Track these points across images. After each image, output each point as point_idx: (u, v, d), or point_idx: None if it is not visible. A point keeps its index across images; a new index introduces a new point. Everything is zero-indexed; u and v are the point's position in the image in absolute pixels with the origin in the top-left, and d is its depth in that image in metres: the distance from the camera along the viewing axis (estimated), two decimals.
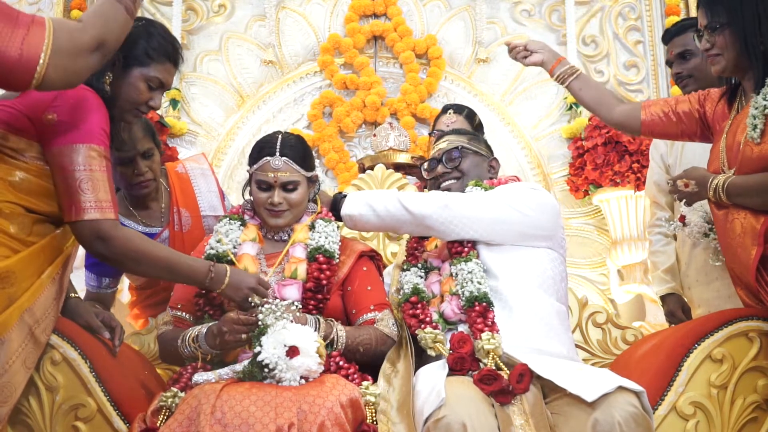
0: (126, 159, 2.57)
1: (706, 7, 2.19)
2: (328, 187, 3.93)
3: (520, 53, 2.54)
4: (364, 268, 2.33)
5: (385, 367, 2.19)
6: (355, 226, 2.41)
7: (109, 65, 2.00)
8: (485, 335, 2.08)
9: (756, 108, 2.08)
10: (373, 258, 2.40)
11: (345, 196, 2.41)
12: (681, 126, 2.35)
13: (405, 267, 2.39)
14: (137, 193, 2.67)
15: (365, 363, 2.20)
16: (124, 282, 3.60)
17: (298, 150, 2.29)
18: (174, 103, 3.96)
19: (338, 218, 2.41)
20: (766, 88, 2.09)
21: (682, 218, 2.52)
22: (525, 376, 1.93)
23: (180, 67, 2.18)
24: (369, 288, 2.30)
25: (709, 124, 2.32)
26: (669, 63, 2.90)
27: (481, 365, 2.02)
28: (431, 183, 2.53)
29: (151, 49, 2.06)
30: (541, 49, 2.52)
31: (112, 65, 2.01)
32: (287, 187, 2.25)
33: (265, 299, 2.06)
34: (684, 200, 2.30)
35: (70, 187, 1.88)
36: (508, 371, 1.98)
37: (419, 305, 2.24)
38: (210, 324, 2.13)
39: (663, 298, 2.86)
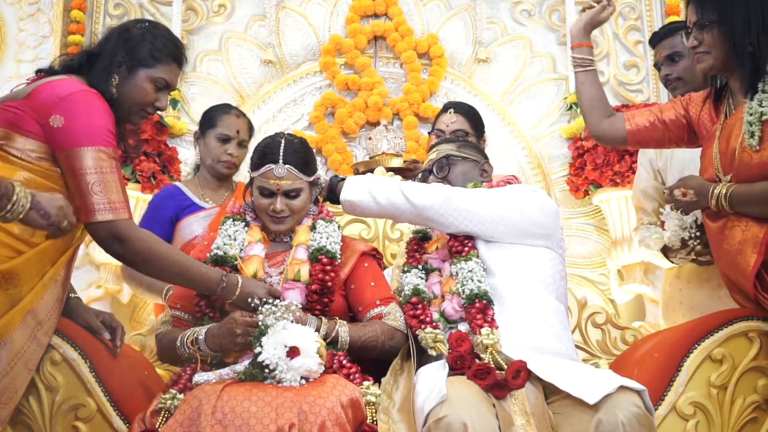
0: (224, 137, 2.95)
1: (696, 4, 2.17)
2: None
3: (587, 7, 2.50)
4: (366, 265, 2.33)
5: (396, 363, 2.20)
6: (353, 211, 2.41)
7: (114, 67, 2.02)
8: (484, 330, 2.09)
9: (751, 114, 2.07)
10: (375, 256, 2.40)
11: (343, 179, 2.41)
12: (668, 133, 2.33)
13: (405, 269, 2.40)
14: (219, 170, 2.98)
15: (375, 358, 2.20)
16: (124, 282, 3.61)
17: (302, 156, 2.26)
18: (174, 103, 3.96)
19: (334, 201, 2.40)
20: (760, 94, 2.08)
21: (663, 224, 2.52)
22: (522, 372, 1.94)
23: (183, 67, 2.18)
24: (372, 284, 2.29)
25: (695, 129, 2.31)
26: (657, 66, 2.87)
27: (479, 362, 2.03)
28: None
29: (156, 51, 2.07)
30: (575, 24, 2.50)
31: (118, 67, 2.03)
32: (290, 194, 2.24)
33: (264, 300, 2.06)
34: (681, 209, 2.29)
35: (82, 189, 1.90)
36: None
37: (420, 306, 2.25)
38: (209, 326, 2.12)
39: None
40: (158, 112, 3.64)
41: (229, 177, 3.04)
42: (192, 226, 2.88)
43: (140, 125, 3.41)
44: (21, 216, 1.67)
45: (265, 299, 2.06)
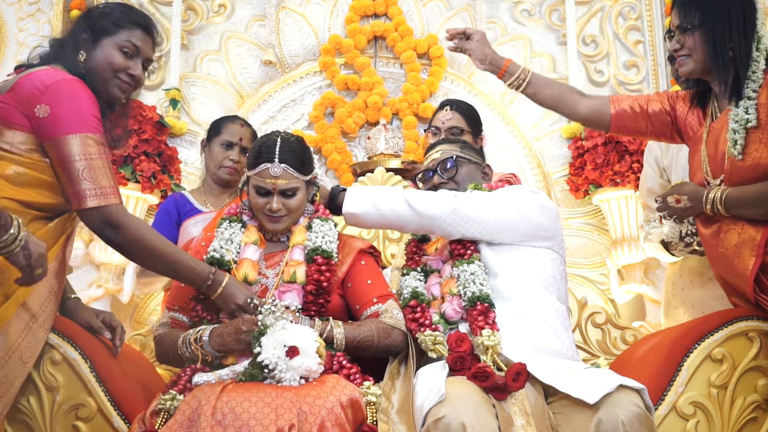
0: (228, 143, 3.05)
1: (679, 8, 2.20)
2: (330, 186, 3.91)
3: (458, 44, 2.49)
4: (362, 262, 2.32)
5: (393, 366, 2.19)
6: (357, 223, 2.41)
7: (80, 45, 2.04)
8: (485, 332, 2.09)
9: (737, 122, 2.09)
10: (372, 253, 2.40)
11: (344, 189, 2.40)
12: (650, 126, 2.35)
13: (404, 271, 2.40)
14: (221, 176, 3.06)
15: (372, 357, 2.19)
16: (124, 282, 3.61)
17: (298, 155, 2.24)
18: (174, 103, 3.95)
19: (335, 212, 2.40)
20: (746, 101, 2.10)
21: (662, 218, 2.53)
22: (522, 375, 1.94)
23: (156, 37, 2.17)
24: (369, 282, 2.28)
25: (680, 127, 2.31)
26: (672, 58, 2.90)
27: (479, 363, 2.02)
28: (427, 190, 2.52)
29: (117, 19, 2.08)
30: (482, 61, 2.46)
31: (84, 45, 2.04)
32: (286, 193, 2.22)
33: (241, 305, 2.08)
34: (675, 216, 2.29)
35: (71, 177, 1.91)
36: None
37: (419, 309, 2.24)
38: (215, 326, 2.12)
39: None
40: (158, 112, 3.70)
41: (232, 184, 3.08)
42: (189, 229, 2.92)
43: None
44: (16, 250, 1.68)
45: (243, 305, 2.08)
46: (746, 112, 2.08)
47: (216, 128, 3.12)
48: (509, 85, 2.46)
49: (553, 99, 2.44)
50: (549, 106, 2.49)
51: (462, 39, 2.49)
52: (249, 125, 3.19)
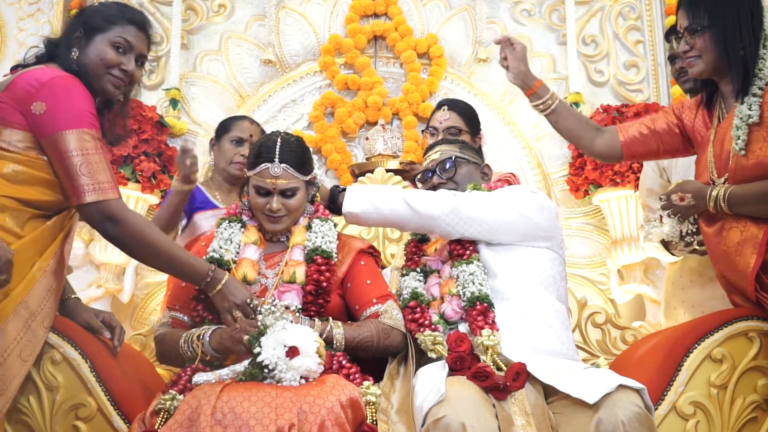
0: (238, 139, 3.07)
1: (687, 9, 2.20)
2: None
3: (504, 56, 2.47)
4: (362, 263, 2.32)
5: (392, 367, 2.19)
6: (357, 222, 2.42)
7: (73, 43, 2.05)
8: (485, 332, 2.09)
9: (740, 118, 2.09)
10: (372, 254, 2.40)
11: (343, 189, 2.40)
12: (662, 145, 2.36)
13: (404, 272, 2.40)
14: (231, 172, 3.07)
15: (372, 357, 2.19)
16: (124, 282, 3.61)
17: (298, 155, 2.25)
18: (174, 103, 3.96)
19: (335, 211, 2.40)
20: (750, 97, 2.10)
21: (662, 218, 2.53)
22: (521, 375, 1.94)
23: (151, 34, 2.17)
24: (369, 282, 2.29)
25: (689, 136, 2.31)
26: (672, 58, 2.90)
27: (479, 363, 2.02)
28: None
29: (108, 15, 2.09)
30: (515, 76, 2.45)
31: (77, 41, 2.05)
32: (286, 193, 2.23)
33: (239, 304, 2.08)
34: (678, 215, 2.29)
35: (69, 172, 1.91)
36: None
37: (418, 309, 2.25)
38: (217, 327, 2.12)
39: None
40: (158, 112, 3.70)
41: (241, 180, 3.07)
42: (201, 223, 2.94)
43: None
44: None
45: (241, 304, 2.08)
46: (749, 109, 2.09)
47: (225, 126, 3.15)
48: (534, 106, 2.46)
49: (572, 131, 2.46)
50: (566, 136, 2.51)
51: (505, 45, 2.46)
52: (257, 123, 3.22)
